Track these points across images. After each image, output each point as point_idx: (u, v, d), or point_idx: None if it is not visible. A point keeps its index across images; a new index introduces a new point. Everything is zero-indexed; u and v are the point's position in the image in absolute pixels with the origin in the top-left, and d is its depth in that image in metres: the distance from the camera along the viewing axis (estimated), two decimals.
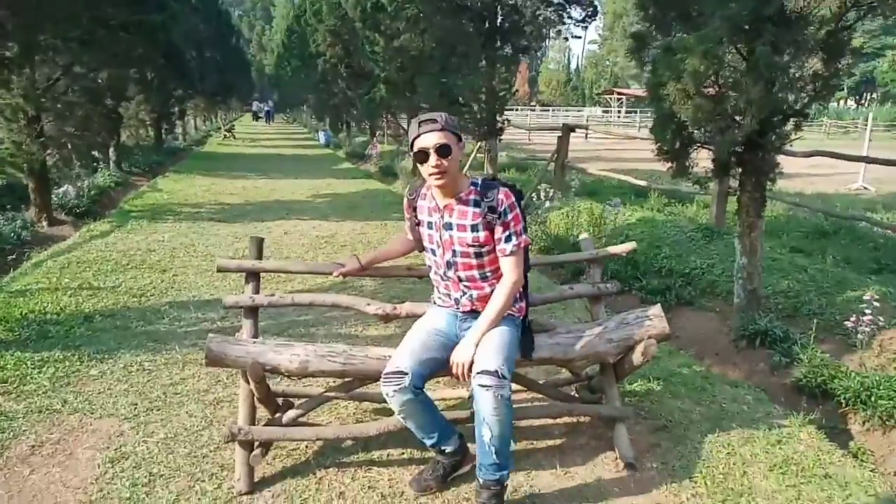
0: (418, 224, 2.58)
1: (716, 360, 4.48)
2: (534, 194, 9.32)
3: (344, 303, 2.86)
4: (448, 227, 2.46)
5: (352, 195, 11.25)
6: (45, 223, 7.92)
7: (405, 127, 15.24)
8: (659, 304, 2.86)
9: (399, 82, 10.48)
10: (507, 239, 2.43)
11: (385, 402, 2.96)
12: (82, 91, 7.87)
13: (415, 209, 2.59)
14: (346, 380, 2.67)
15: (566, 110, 50.71)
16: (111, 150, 12.74)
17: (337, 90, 19.27)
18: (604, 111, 48.66)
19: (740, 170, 4.54)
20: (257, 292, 2.84)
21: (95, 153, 11.95)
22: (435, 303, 2.69)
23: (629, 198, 10.07)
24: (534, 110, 47.97)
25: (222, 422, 3.06)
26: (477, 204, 2.42)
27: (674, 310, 5.27)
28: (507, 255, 2.44)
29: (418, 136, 2.37)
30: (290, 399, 2.98)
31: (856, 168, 14.23)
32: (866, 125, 15.95)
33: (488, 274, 2.50)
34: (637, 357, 2.72)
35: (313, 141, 26.76)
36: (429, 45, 9.71)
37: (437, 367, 2.46)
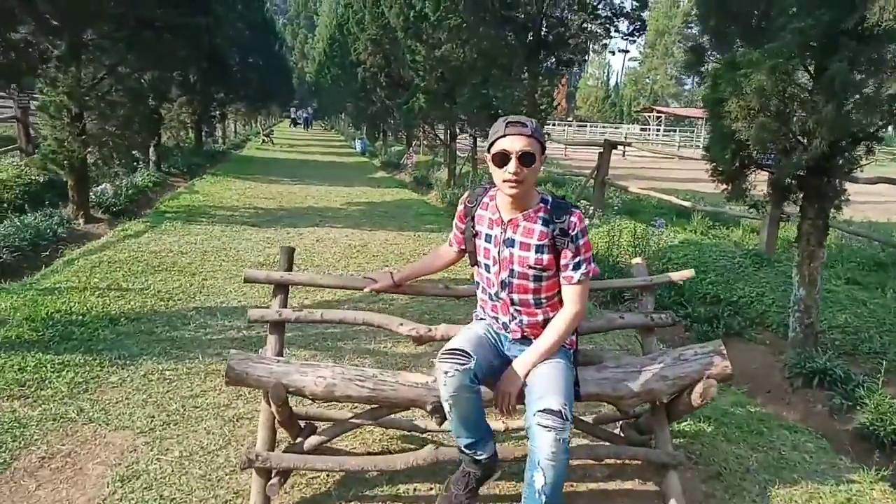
0: (475, 235, 2.35)
1: (769, 399, 4.16)
2: None
3: (375, 321, 2.66)
4: (510, 243, 2.24)
5: (385, 204, 11.12)
6: (81, 221, 7.94)
7: (441, 138, 15.12)
8: (721, 341, 2.60)
9: (438, 93, 10.34)
10: (577, 266, 2.21)
11: (413, 430, 2.76)
12: (125, 91, 7.88)
13: (473, 218, 2.36)
14: (374, 406, 2.46)
15: (603, 127, 50.20)
16: (151, 150, 12.88)
17: (375, 99, 19.27)
18: (641, 129, 48.03)
19: (801, 195, 4.23)
20: (285, 306, 2.67)
21: (136, 153, 12.10)
22: (480, 318, 2.48)
23: (670, 218, 9.73)
24: (571, 126, 47.61)
25: (241, 441, 2.89)
26: (546, 223, 2.21)
27: (723, 341, 4.94)
28: (573, 284, 2.22)
29: (503, 136, 2.15)
30: (314, 422, 2.79)
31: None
32: None
33: (543, 300, 2.28)
34: (695, 398, 2.46)
35: (350, 149, 26.87)
36: (470, 56, 9.56)
37: (490, 372, 2.24)
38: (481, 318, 2.46)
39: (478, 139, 13.07)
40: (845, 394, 3.87)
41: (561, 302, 2.31)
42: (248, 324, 4.34)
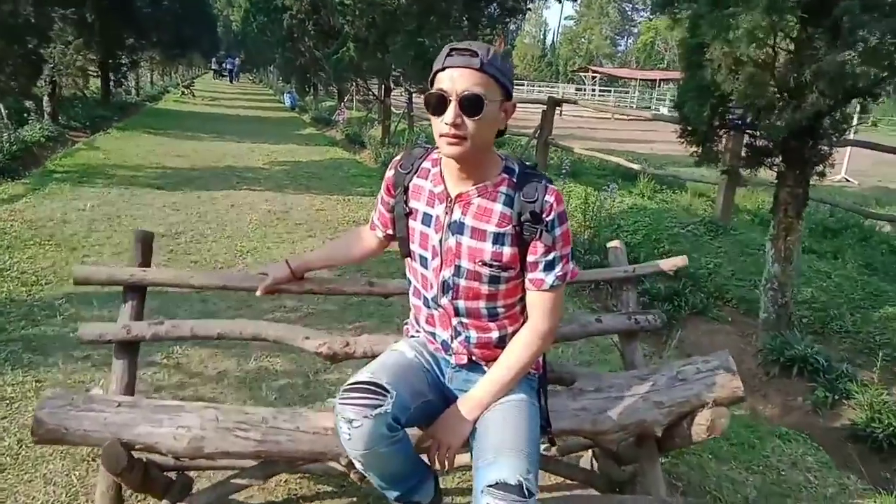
0: (407, 214, 1.63)
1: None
2: None
3: (270, 335, 1.93)
4: (457, 228, 1.55)
5: (313, 164, 10.17)
6: None
7: (374, 92, 14.11)
8: (728, 353, 2.00)
9: (370, 41, 9.38)
10: (550, 266, 1.54)
11: (327, 472, 2.08)
12: None
13: (406, 190, 1.64)
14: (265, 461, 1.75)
15: (539, 86, 49.65)
16: (45, 99, 11.37)
17: (304, 49, 17.86)
18: (577, 89, 47.72)
19: (780, 159, 3.72)
20: (139, 317, 1.90)
21: (28, 102, 10.63)
22: (409, 336, 1.80)
23: (615, 181, 9.27)
24: None
25: (93, 492, 2.13)
26: (509, 202, 1.53)
27: (684, 320, 4.47)
28: (543, 290, 1.56)
29: (442, 69, 1.45)
30: (187, 473, 2.05)
31: (838, 159, 13.72)
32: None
33: (500, 310, 1.61)
34: (698, 431, 1.87)
35: (279, 103, 25.27)
36: (405, 2, 8.64)
37: (422, 412, 1.58)
38: (412, 336, 1.77)
39: (413, 94, 12.18)
40: (828, 385, 3.44)
41: (523, 313, 1.65)
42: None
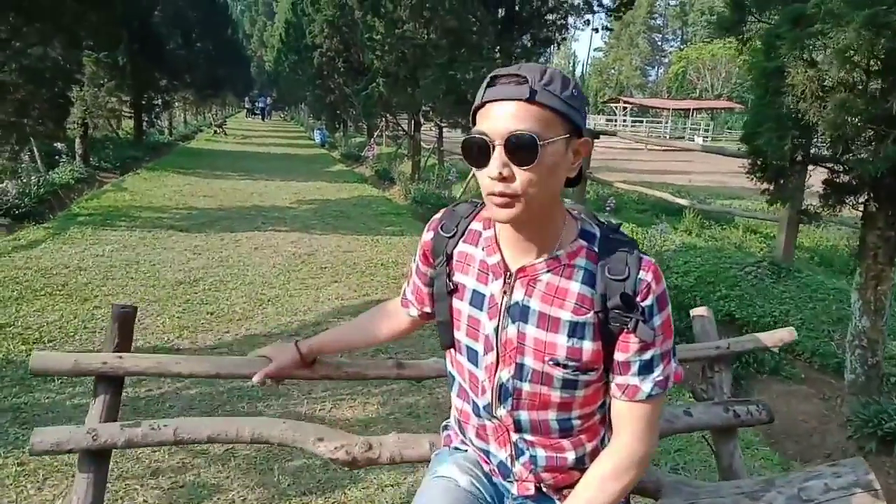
0: (452, 292, 1.24)
1: None
2: None
3: (274, 437, 1.53)
4: (520, 313, 1.15)
5: (342, 201, 9.92)
6: None
7: (404, 127, 13.94)
8: (863, 460, 1.54)
9: (399, 75, 9.16)
10: (646, 368, 1.13)
11: None
12: (20, 70, 6.52)
13: (449, 259, 1.25)
14: None
15: None
16: (77, 142, 11.42)
17: (333, 86, 17.92)
18: (608, 120, 47.41)
19: (869, 197, 3.24)
20: (114, 416, 1.52)
21: (59, 145, 10.66)
22: (452, 447, 1.37)
23: (657, 216, 8.78)
24: None
25: None
26: (589, 279, 1.13)
27: (753, 379, 3.95)
28: (636, 401, 1.14)
29: (482, 105, 1.07)
30: None
31: None
32: None
33: (574, 423, 1.19)
34: None
35: (308, 140, 25.42)
36: (435, 35, 8.42)
37: None
38: (456, 447, 1.35)
39: (444, 129, 11.94)
40: None
41: (603, 423, 1.23)
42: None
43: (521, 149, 1.02)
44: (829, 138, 2.70)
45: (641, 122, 44.65)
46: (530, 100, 1.02)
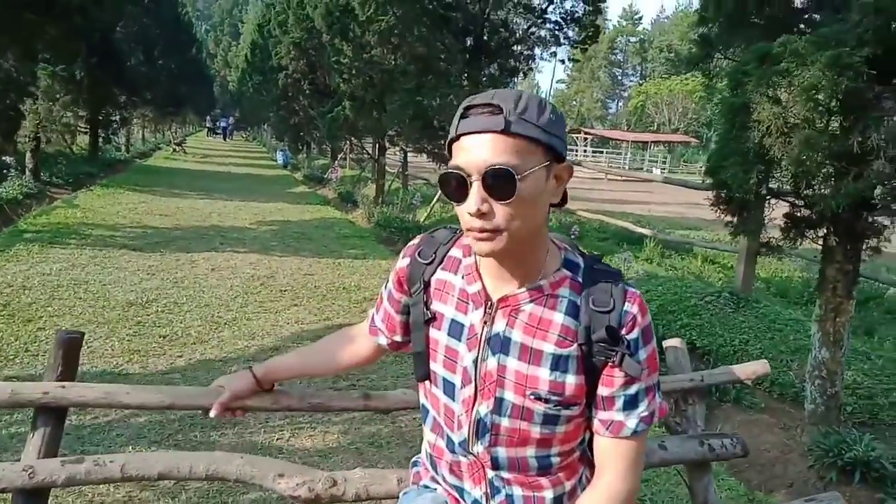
0: (428, 321, 1.17)
1: (794, 498, 3.17)
2: None
3: (231, 474, 1.43)
4: (501, 345, 1.09)
5: (304, 223, 9.76)
6: None
7: (369, 152, 13.89)
8: (839, 496, 1.52)
9: (366, 99, 9.14)
10: (631, 403, 1.09)
11: None
12: None
13: (425, 287, 1.19)
14: None
15: None
16: (28, 156, 11.01)
17: (298, 108, 17.83)
18: (570, 150, 48.18)
19: (828, 231, 3.32)
20: (53, 452, 1.39)
21: (8, 159, 10.26)
22: (421, 485, 1.30)
23: (618, 244, 8.90)
24: None
25: None
26: (573, 310, 1.08)
27: (716, 408, 3.97)
28: (620, 437, 1.09)
29: (456, 137, 1.03)
30: None
31: None
32: None
33: (553, 459, 1.14)
34: None
35: (271, 161, 25.13)
36: (403, 61, 8.45)
37: None
38: (426, 486, 1.28)
39: (408, 154, 11.94)
40: None
41: (582, 460, 1.18)
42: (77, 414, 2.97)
43: (498, 183, 0.97)
44: (791, 173, 2.76)
45: (602, 152, 45.67)
46: (506, 131, 0.98)
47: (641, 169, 36.85)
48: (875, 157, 2.55)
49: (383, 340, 1.32)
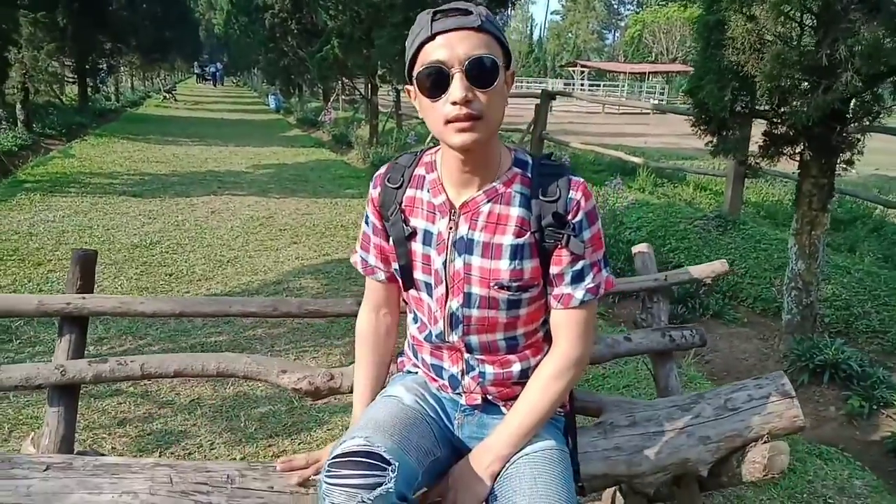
0: (409, 237, 1.28)
1: None
2: None
3: (239, 371, 1.61)
4: (465, 246, 1.23)
5: (299, 166, 9.82)
6: None
7: (361, 91, 13.76)
8: (783, 374, 1.70)
9: (353, 36, 9.03)
10: (579, 276, 1.23)
11: None
12: None
13: (400, 206, 1.29)
14: None
15: (528, 82, 49.38)
16: (18, 107, 10.95)
17: (287, 49, 17.48)
18: (566, 83, 47.48)
19: (804, 147, 3.42)
20: (80, 354, 1.57)
21: None
22: (405, 371, 1.47)
23: (613, 175, 8.98)
24: None
25: None
26: (525, 203, 1.21)
27: (699, 323, 4.17)
28: (572, 308, 1.24)
29: (430, 38, 1.11)
30: None
31: None
32: None
33: (520, 339, 1.30)
34: (751, 469, 1.57)
35: (263, 106, 24.86)
36: None
37: (434, 469, 1.26)
38: (408, 371, 1.45)
39: (401, 93, 11.83)
40: (864, 393, 3.15)
41: (548, 338, 1.34)
42: (100, 337, 3.17)
43: (483, 72, 1.09)
44: (765, 89, 2.84)
45: (598, 85, 44.89)
46: (481, 28, 1.09)
47: (639, 101, 36.37)
48: (843, 69, 2.63)
49: (381, 276, 1.38)
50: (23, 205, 6.13)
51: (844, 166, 3.37)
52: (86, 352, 1.65)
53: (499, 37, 1.12)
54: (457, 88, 1.09)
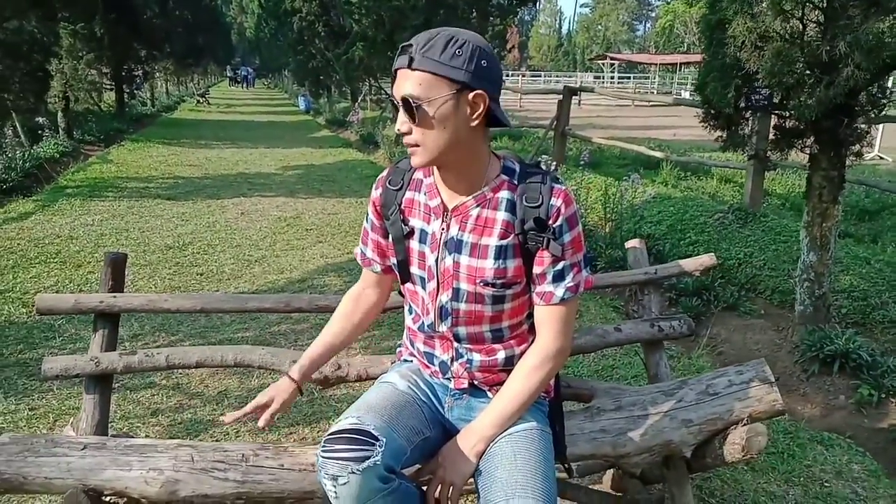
0: (407, 235, 1.42)
1: (779, 389, 3.44)
2: None
3: (255, 361, 1.77)
4: (455, 245, 1.36)
5: (327, 167, 10.05)
6: None
7: (388, 91, 13.95)
8: (763, 361, 1.79)
9: (377, 39, 9.20)
10: (559, 276, 1.35)
11: None
12: None
13: (400, 207, 1.43)
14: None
15: (557, 76, 49.07)
16: (60, 115, 11.43)
17: (315, 51, 17.81)
18: (595, 77, 47.10)
19: (813, 140, 3.45)
20: (112, 347, 1.74)
21: (41, 119, 10.68)
22: (402, 360, 1.61)
23: (636, 170, 8.97)
24: (524, 76, 46.32)
25: None
26: (511, 207, 1.34)
27: (714, 315, 4.22)
28: (553, 304, 1.37)
29: (395, 71, 1.29)
30: None
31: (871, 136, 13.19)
32: None
33: (504, 331, 1.43)
34: (731, 450, 1.67)
35: (293, 107, 25.30)
36: None
37: (419, 450, 1.39)
38: (405, 360, 1.59)
39: None
40: (873, 382, 3.17)
41: (532, 331, 1.46)
42: (133, 334, 3.38)
43: (408, 108, 1.24)
44: (767, 85, 2.89)
45: (629, 78, 44.38)
46: (410, 67, 1.22)
47: (670, 93, 35.86)
48: (844, 64, 2.67)
49: (377, 268, 1.54)
50: (64, 210, 6.45)
51: (853, 158, 3.39)
52: (121, 346, 1.83)
53: (435, 72, 1.21)
54: (398, 120, 1.27)
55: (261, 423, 1.44)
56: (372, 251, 1.53)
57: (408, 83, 1.22)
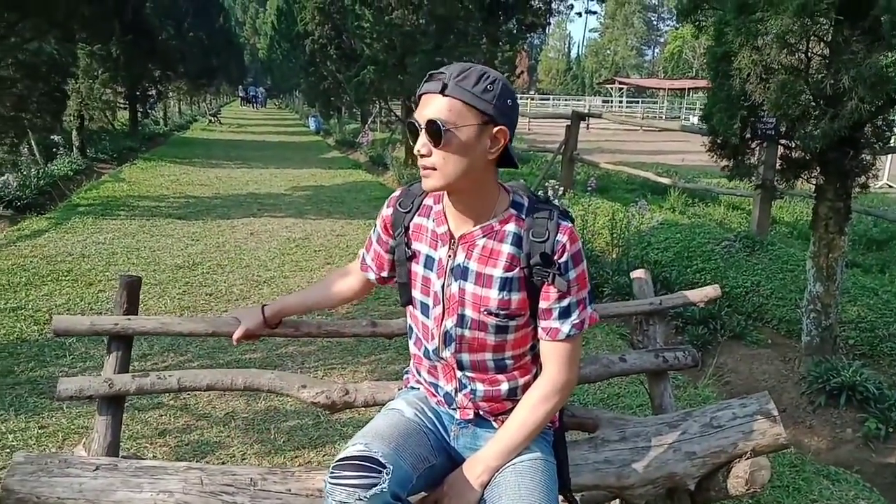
0: (410, 258, 1.48)
1: (786, 422, 3.42)
2: (540, 192, 8.23)
3: (264, 385, 1.79)
4: (461, 273, 1.40)
5: (336, 188, 10.14)
6: None
7: (398, 114, 14.11)
8: (767, 395, 1.80)
9: (388, 63, 9.34)
10: (565, 313, 1.38)
11: None
12: (17, 65, 6.73)
13: (407, 230, 1.49)
14: None
15: (566, 99, 49.41)
16: (74, 134, 11.61)
17: (326, 73, 18.06)
18: (604, 101, 47.40)
19: (819, 171, 3.48)
20: (125, 369, 1.77)
21: (55, 137, 10.86)
22: (409, 387, 1.64)
23: (643, 195, 9.01)
24: (533, 99, 46.68)
25: None
26: (517, 241, 1.37)
27: (721, 345, 4.22)
28: (558, 340, 1.39)
29: (419, 96, 1.34)
30: None
31: (879, 164, 13.20)
32: None
33: (508, 362, 1.45)
34: (735, 484, 1.68)
35: (303, 127, 25.57)
36: (423, 21, 8.59)
37: (424, 479, 1.41)
38: (412, 387, 1.61)
39: None
40: (881, 415, 3.16)
41: (535, 361, 1.48)
42: (143, 353, 3.41)
43: (432, 132, 1.27)
44: (773, 117, 2.93)
45: (637, 102, 44.66)
46: (442, 93, 1.27)
47: (678, 118, 36.02)
48: (848, 98, 2.71)
49: (372, 276, 1.64)
50: (76, 228, 6.54)
51: (859, 189, 3.41)
52: (131, 367, 1.86)
53: (468, 101, 1.26)
54: (418, 142, 1.30)
55: (234, 338, 1.71)
56: (372, 260, 1.62)
57: (438, 107, 1.27)
